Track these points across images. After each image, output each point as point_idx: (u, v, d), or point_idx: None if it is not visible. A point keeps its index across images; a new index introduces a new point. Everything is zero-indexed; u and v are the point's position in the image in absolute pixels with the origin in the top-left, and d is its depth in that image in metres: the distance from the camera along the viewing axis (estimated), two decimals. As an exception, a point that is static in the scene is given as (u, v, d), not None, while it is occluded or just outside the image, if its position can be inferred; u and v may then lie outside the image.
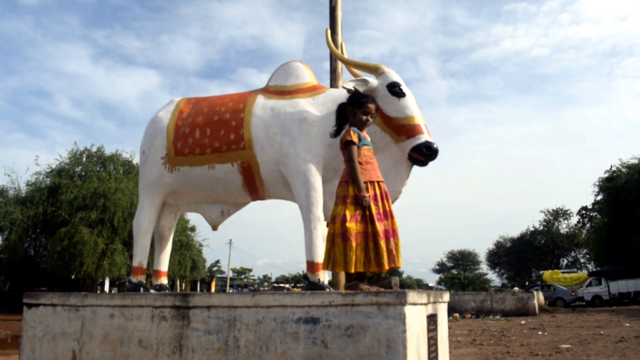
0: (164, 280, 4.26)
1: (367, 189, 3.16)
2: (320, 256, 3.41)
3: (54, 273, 25.33)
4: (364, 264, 3.07)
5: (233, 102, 3.95)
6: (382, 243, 3.08)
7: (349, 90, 3.60)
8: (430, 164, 3.56)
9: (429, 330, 3.13)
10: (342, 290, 3.03)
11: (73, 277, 24.70)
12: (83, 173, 27.03)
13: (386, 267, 3.04)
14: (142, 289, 3.95)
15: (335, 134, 3.47)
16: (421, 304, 2.99)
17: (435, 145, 3.48)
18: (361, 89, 3.58)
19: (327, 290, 3.28)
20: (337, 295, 2.80)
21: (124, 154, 29.06)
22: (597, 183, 34.91)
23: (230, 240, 54.17)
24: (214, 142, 3.83)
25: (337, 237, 3.10)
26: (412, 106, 3.58)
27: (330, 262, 3.14)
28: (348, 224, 3.09)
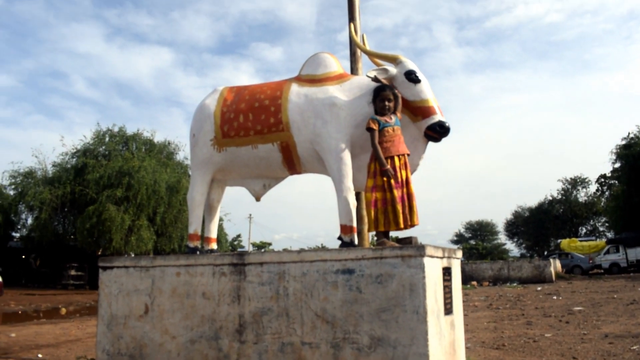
0: (214, 246, 4.93)
1: (388, 163, 3.88)
2: (351, 220, 4.05)
3: (83, 250, 26.32)
4: (384, 224, 3.83)
5: (271, 90, 4.54)
6: (399, 207, 3.80)
7: (372, 79, 4.19)
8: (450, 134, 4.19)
9: (444, 280, 3.76)
10: (373, 246, 3.67)
11: (100, 252, 25.59)
12: (107, 152, 27.76)
13: (402, 226, 3.78)
14: (197, 252, 4.62)
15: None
16: (437, 257, 3.62)
17: (447, 124, 4.06)
18: (382, 77, 4.18)
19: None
20: (368, 250, 3.45)
21: (145, 133, 29.85)
22: (614, 151, 34.87)
23: (250, 215, 55.17)
24: (256, 125, 4.44)
25: (369, 205, 3.88)
26: (427, 90, 4.16)
27: (370, 224, 3.92)
28: (369, 194, 3.89)
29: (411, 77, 4.16)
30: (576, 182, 53.56)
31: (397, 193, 3.83)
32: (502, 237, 68.06)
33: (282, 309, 3.62)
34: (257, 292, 3.73)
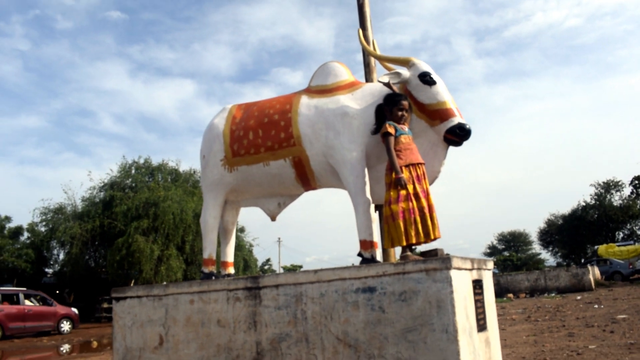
0: (231, 270, 4.72)
1: (406, 172, 3.63)
2: (371, 235, 3.80)
3: (115, 282, 26.45)
4: (413, 237, 3.52)
5: (280, 104, 4.35)
6: (428, 217, 3.55)
7: (384, 84, 3.97)
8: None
9: (475, 294, 3.47)
10: (394, 261, 3.40)
11: (132, 284, 25.68)
12: (134, 184, 28.15)
13: (432, 236, 3.48)
14: (213, 277, 4.41)
15: (376, 131, 3.91)
16: (465, 269, 3.34)
17: (467, 126, 3.79)
18: (394, 81, 3.96)
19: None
20: (389, 266, 3.18)
21: (170, 163, 30.20)
22: (647, 151, 33.85)
23: (279, 238, 55.09)
24: (266, 141, 4.25)
25: (389, 219, 3.60)
26: (443, 92, 3.91)
27: (389, 240, 3.63)
28: (392, 206, 3.58)
29: (426, 79, 3.92)
30: (609, 186, 52.12)
31: (424, 202, 3.60)
32: (537, 247, 66.44)
33: (300, 334, 3.37)
34: (273, 317, 3.48)
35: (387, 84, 3.97)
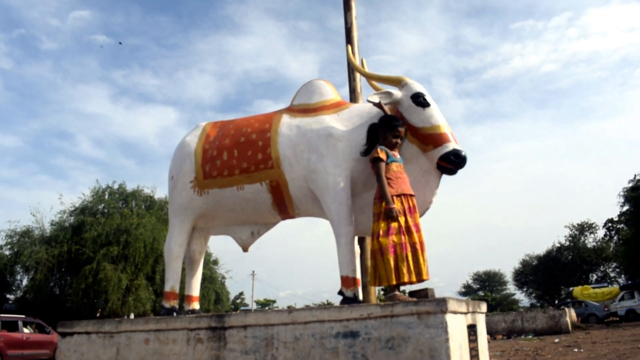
0: (196, 306, 4.24)
1: (398, 202, 3.25)
2: (354, 270, 3.39)
3: (79, 311, 25.43)
4: (405, 275, 3.11)
5: (259, 122, 3.97)
6: (420, 253, 3.15)
7: (374, 104, 3.62)
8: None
9: (470, 341, 3.06)
10: (381, 302, 2.98)
11: (98, 314, 24.75)
12: (106, 210, 27.31)
13: (423, 276, 3.07)
14: (175, 314, 3.93)
15: (366, 152, 3.55)
16: (461, 313, 2.93)
17: (463, 153, 3.44)
18: (385, 102, 3.61)
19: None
20: (375, 307, 2.76)
21: (145, 189, 29.40)
22: (621, 193, 34.23)
23: (253, 271, 54.04)
24: (242, 162, 3.84)
25: (377, 253, 3.20)
26: (438, 115, 3.57)
27: (375, 277, 3.22)
28: (381, 239, 3.18)
29: (419, 100, 3.58)
30: (583, 228, 52.56)
31: (416, 238, 3.21)
32: (511, 287, 66.41)
33: (270, 383, 2.91)
34: (240, 363, 3.02)
35: (378, 105, 3.62)
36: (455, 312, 2.77)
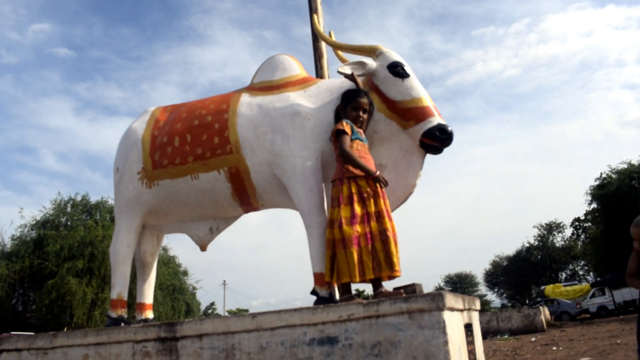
0: (150, 315, 3.71)
1: (365, 184, 2.84)
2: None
3: (43, 327, 24.43)
4: (373, 269, 2.67)
5: (215, 103, 3.48)
6: (391, 242, 2.70)
7: (345, 76, 3.18)
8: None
9: (467, 343, 2.61)
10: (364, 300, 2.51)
11: (65, 330, 23.81)
12: (69, 223, 26.48)
13: (398, 271, 2.63)
14: (122, 324, 3.39)
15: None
16: (458, 310, 2.48)
17: (449, 128, 3.01)
18: (358, 73, 3.17)
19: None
20: (357, 307, 2.28)
21: (110, 200, 28.50)
22: (588, 192, 34.63)
23: (224, 281, 53.30)
24: (195, 148, 3.35)
25: (338, 244, 2.73)
26: (418, 87, 3.14)
27: (334, 273, 2.74)
28: (345, 228, 2.72)
29: (397, 70, 3.14)
30: (551, 228, 53.31)
31: (388, 224, 2.74)
32: (483, 288, 66.91)
33: (232, 404, 2.40)
34: (195, 380, 2.51)
35: (350, 76, 3.17)
36: (452, 309, 2.32)
